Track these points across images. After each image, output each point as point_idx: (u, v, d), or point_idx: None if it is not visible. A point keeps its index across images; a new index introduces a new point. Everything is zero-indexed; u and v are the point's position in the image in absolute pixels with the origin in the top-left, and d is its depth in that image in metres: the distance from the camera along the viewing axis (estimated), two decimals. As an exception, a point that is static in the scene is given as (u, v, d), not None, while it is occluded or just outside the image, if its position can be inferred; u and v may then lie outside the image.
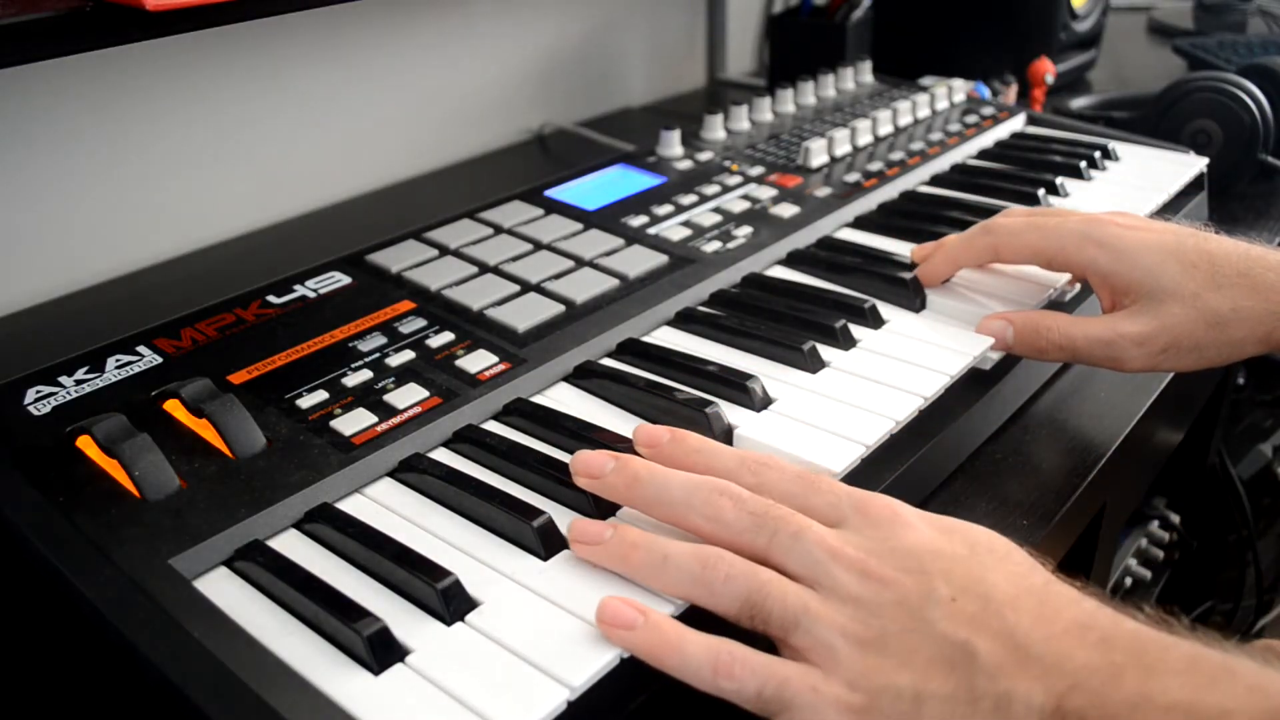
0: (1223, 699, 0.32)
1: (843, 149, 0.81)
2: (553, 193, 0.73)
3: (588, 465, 0.43)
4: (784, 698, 0.36)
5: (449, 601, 0.38)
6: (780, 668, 0.36)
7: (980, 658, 0.35)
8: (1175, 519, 1.02)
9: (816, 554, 0.38)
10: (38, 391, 0.49)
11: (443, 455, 0.48)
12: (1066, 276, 0.62)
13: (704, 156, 0.79)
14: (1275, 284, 0.53)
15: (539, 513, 0.42)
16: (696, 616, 0.38)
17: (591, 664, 0.36)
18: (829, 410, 0.50)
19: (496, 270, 0.62)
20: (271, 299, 0.58)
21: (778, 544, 0.39)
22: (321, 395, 0.49)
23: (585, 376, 0.54)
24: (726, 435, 0.49)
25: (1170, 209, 0.77)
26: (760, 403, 0.51)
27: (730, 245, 0.66)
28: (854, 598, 0.37)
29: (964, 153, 0.84)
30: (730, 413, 0.50)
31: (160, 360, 0.52)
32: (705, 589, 0.38)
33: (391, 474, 0.47)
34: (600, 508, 0.43)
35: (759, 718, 0.36)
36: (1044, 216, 0.59)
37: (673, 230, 0.67)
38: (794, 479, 0.42)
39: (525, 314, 0.57)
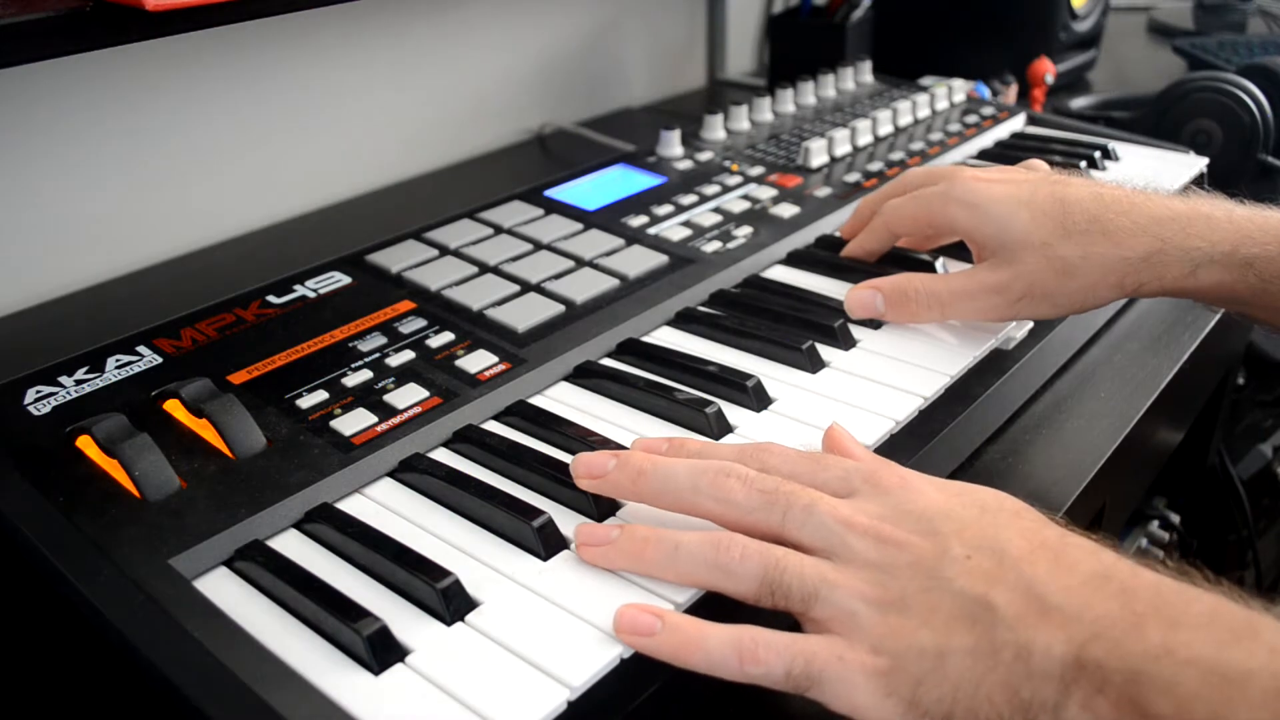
0: (1245, 657, 0.31)
1: (843, 149, 0.81)
2: (553, 193, 0.73)
3: (589, 466, 0.43)
4: (812, 672, 0.36)
5: (449, 601, 0.38)
6: (805, 643, 0.36)
7: (999, 610, 0.35)
8: (1175, 519, 1.02)
9: (830, 525, 0.38)
10: (38, 391, 0.49)
11: (443, 455, 0.48)
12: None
13: (704, 156, 0.79)
14: (1126, 228, 0.53)
15: (539, 513, 0.42)
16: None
17: (591, 664, 0.36)
18: (829, 410, 0.50)
19: (496, 270, 0.62)
20: (271, 299, 0.58)
21: (791, 519, 0.39)
22: (321, 395, 0.49)
23: (585, 376, 0.54)
24: (726, 435, 0.49)
25: (1170, 209, 0.77)
26: (760, 403, 0.51)
27: (730, 245, 0.66)
28: (870, 563, 0.37)
29: (964, 153, 0.84)
30: (730, 413, 0.50)
31: (160, 360, 0.52)
32: (722, 572, 0.38)
33: (391, 474, 0.47)
34: (601, 508, 0.43)
35: (760, 716, 0.36)
36: (922, 182, 0.61)
37: (673, 230, 0.67)
38: (799, 459, 0.42)
39: (525, 314, 0.57)
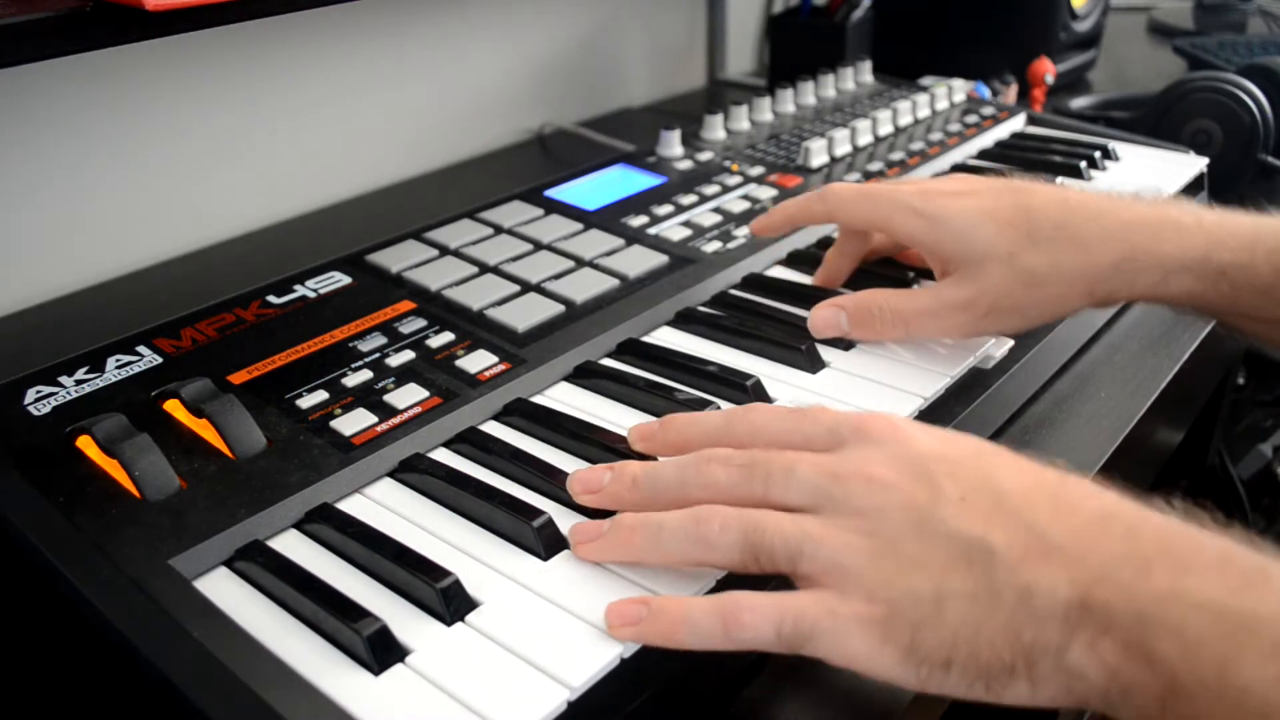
0: (1255, 603, 0.31)
1: (843, 149, 0.81)
2: (553, 193, 0.73)
3: (585, 482, 0.43)
4: (803, 629, 0.35)
5: (449, 601, 0.38)
6: (792, 601, 0.36)
7: (999, 551, 0.34)
8: (1175, 519, 1.01)
9: (814, 479, 0.37)
10: (38, 391, 0.49)
11: (443, 455, 0.48)
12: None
13: (704, 156, 0.79)
14: (1095, 234, 0.51)
15: (539, 513, 0.42)
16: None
17: (591, 664, 0.36)
18: (829, 410, 0.50)
19: (496, 270, 0.62)
20: (271, 299, 0.58)
21: (774, 485, 0.38)
22: (321, 395, 0.49)
23: (585, 376, 0.54)
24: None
25: (1170, 209, 0.77)
26: (759, 403, 0.51)
27: (730, 245, 0.66)
28: (859, 509, 0.36)
29: (964, 153, 0.84)
30: (730, 413, 0.50)
31: (160, 360, 0.52)
32: (704, 545, 0.38)
33: (391, 474, 0.47)
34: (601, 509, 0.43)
35: (760, 711, 0.36)
36: (877, 186, 0.58)
37: (673, 230, 0.67)
38: (784, 416, 0.41)
39: (525, 314, 0.57)
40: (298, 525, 0.44)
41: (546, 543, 0.41)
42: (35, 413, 0.48)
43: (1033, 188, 0.55)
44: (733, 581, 0.39)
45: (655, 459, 0.44)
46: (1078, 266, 0.51)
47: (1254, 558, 0.32)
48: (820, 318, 0.56)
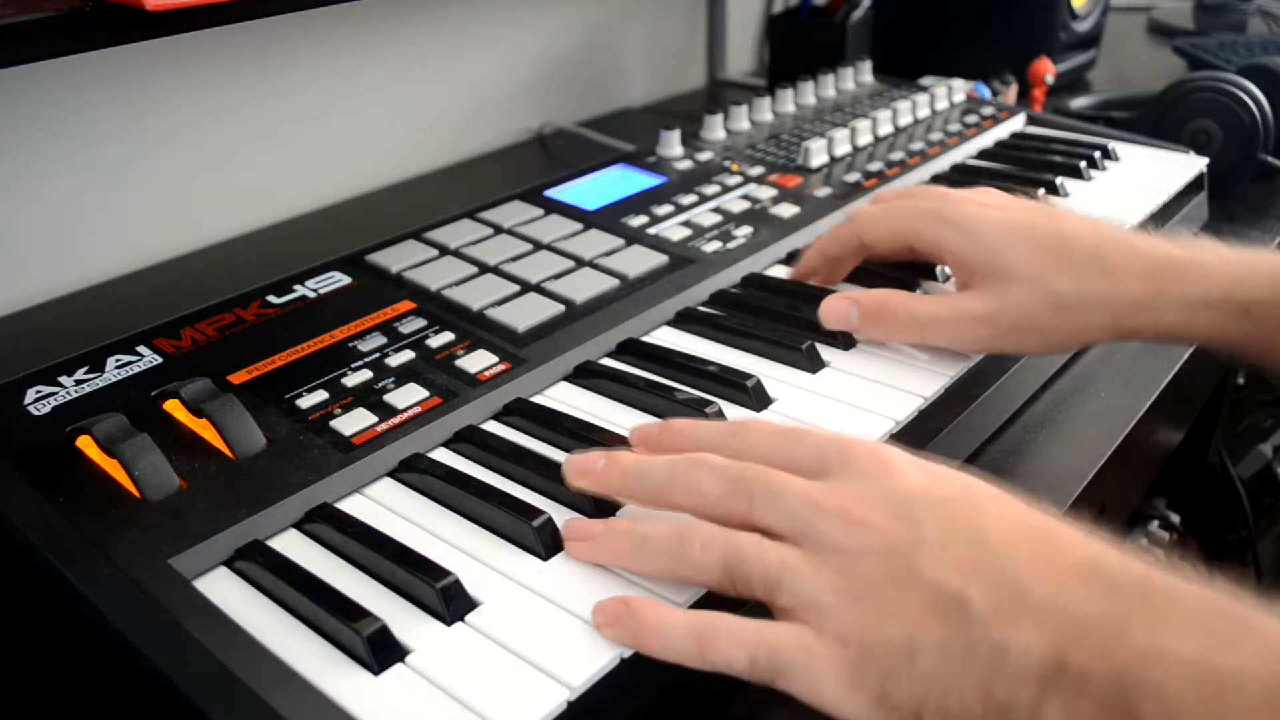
0: (1237, 659, 0.30)
1: (843, 149, 0.81)
2: (553, 193, 0.73)
3: (580, 466, 0.43)
4: (778, 664, 0.34)
5: (449, 601, 0.38)
6: (770, 634, 0.35)
7: (974, 606, 0.33)
8: (1175, 519, 1.02)
9: (798, 508, 0.37)
10: (38, 391, 0.49)
11: (443, 455, 0.48)
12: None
13: (704, 156, 0.79)
14: (1126, 268, 0.51)
15: (539, 513, 0.42)
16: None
17: (591, 664, 0.36)
18: (829, 410, 0.50)
19: (496, 270, 0.62)
20: (271, 299, 0.58)
21: (758, 505, 0.38)
22: (321, 395, 0.49)
23: (585, 376, 0.54)
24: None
25: (1170, 209, 0.77)
26: (760, 403, 0.51)
27: (730, 245, 0.66)
28: (838, 548, 0.36)
29: (964, 153, 0.84)
30: (730, 413, 0.50)
31: (160, 360, 0.52)
32: (685, 563, 0.38)
33: (391, 474, 0.47)
34: (599, 508, 0.43)
35: (760, 711, 0.36)
36: (902, 198, 0.58)
37: (673, 230, 0.67)
38: (775, 434, 0.41)
39: (525, 314, 0.57)
40: (298, 525, 0.44)
41: (546, 542, 0.41)
42: (35, 413, 0.48)
43: (1061, 212, 0.55)
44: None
45: None
46: (1107, 297, 0.51)
47: (1235, 608, 0.32)
48: (830, 310, 0.56)
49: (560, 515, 0.43)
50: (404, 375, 0.51)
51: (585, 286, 0.60)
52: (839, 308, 0.55)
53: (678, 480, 0.40)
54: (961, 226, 0.54)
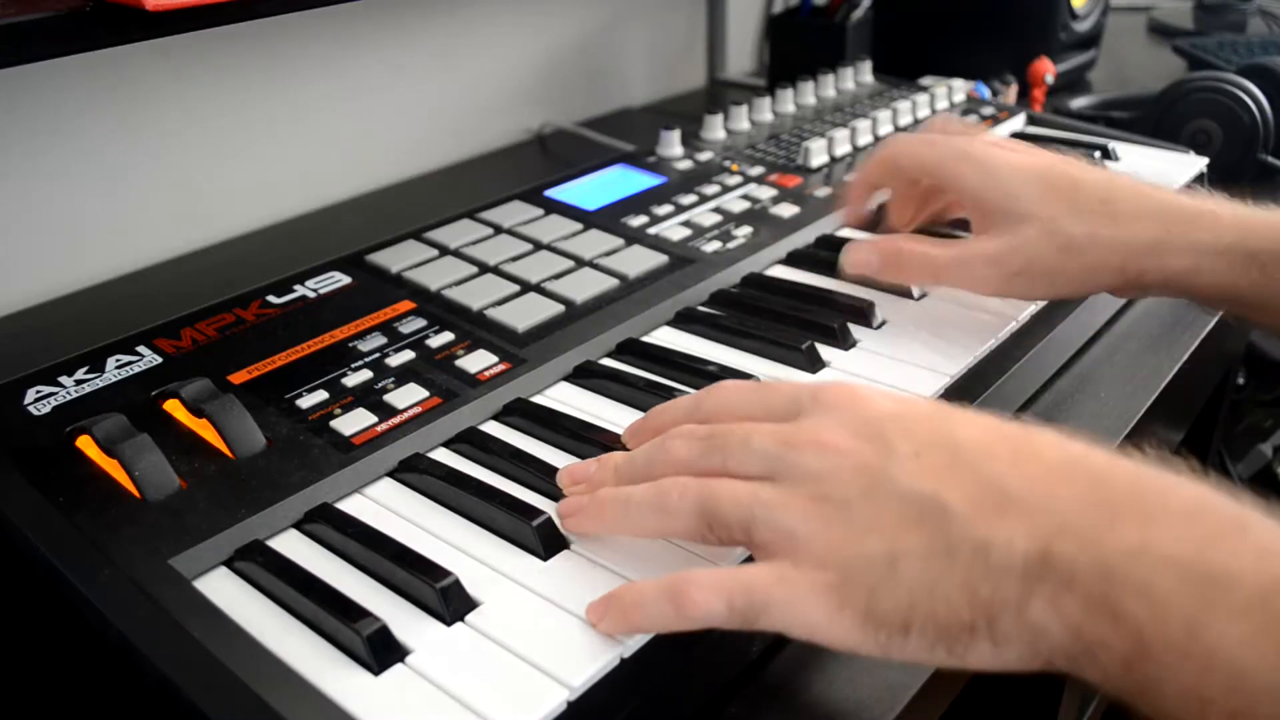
0: (1229, 558, 0.29)
1: (843, 149, 0.81)
2: (553, 193, 0.73)
3: (573, 475, 0.43)
4: (755, 601, 0.34)
5: (449, 601, 0.38)
6: (741, 573, 0.35)
7: (952, 506, 0.32)
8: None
9: (768, 448, 0.37)
10: (38, 391, 0.49)
11: (443, 455, 0.48)
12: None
13: (704, 156, 0.79)
14: (1133, 213, 0.52)
15: (539, 513, 0.42)
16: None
17: (591, 664, 0.36)
18: (829, 410, 0.50)
19: (496, 270, 0.62)
20: (271, 299, 0.58)
21: (732, 456, 0.38)
22: (321, 395, 0.49)
23: (585, 376, 0.54)
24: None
25: (1170, 209, 0.77)
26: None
27: (730, 245, 0.66)
28: (811, 474, 0.35)
29: (964, 153, 0.84)
30: (730, 413, 0.50)
31: (160, 360, 0.52)
32: (665, 516, 0.38)
33: (391, 474, 0.47)
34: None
35: (761, 712, 0.36)
36: (934, 130, 0.62)
37: (673, 230, 0.67)
38: (747, 388, 0.42)
39: (525, 314, 0.57)
40: (297, 525, 0.44)
41: (546, 542, 0.41)
42: (35, 413, 0.48)
43: (1080, 163, 0.56)
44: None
45: None
46: (1114, 240, 0.52)
47: (1229, 507, 0.31)
48: (853, 257, 0.58)
49: (560, 515, 0.43)
50: (404, 375, 0.51)
51: (585, 286, 0.60)
52: (861, 254, 0.58)
53: (656, 457, 0.40)
54: (981, 164, 0.55)
